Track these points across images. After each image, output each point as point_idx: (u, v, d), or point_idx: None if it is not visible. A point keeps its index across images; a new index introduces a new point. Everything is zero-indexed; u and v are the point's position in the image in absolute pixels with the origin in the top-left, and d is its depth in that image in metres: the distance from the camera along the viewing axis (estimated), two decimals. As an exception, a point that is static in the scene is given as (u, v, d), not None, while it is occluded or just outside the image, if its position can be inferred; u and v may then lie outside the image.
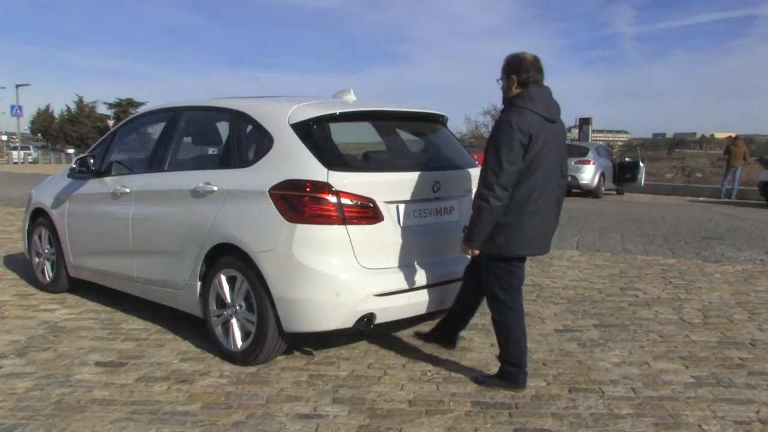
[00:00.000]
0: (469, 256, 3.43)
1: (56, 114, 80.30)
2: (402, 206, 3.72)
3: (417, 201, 3.78)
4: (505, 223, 3.24)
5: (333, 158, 3.63)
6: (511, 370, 3.42)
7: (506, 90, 3.35)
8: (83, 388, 3.44)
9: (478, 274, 3.52)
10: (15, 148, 42.17)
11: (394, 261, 3.69)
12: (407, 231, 3.72)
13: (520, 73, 3.27)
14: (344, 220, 3.51)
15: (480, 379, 3.53)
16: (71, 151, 50.70)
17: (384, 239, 3.62)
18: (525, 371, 3.45)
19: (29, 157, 41.87)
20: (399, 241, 3.68)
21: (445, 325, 3.93)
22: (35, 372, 3.66)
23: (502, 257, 3.33)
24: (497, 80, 3.40)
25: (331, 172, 3.51)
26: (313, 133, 3.70)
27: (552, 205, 3.41)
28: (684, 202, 16.57)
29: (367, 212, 3.57)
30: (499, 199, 3.15)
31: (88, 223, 4.98)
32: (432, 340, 4.03)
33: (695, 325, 4.65)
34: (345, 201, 3.50)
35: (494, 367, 3.71)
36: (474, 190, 4.12)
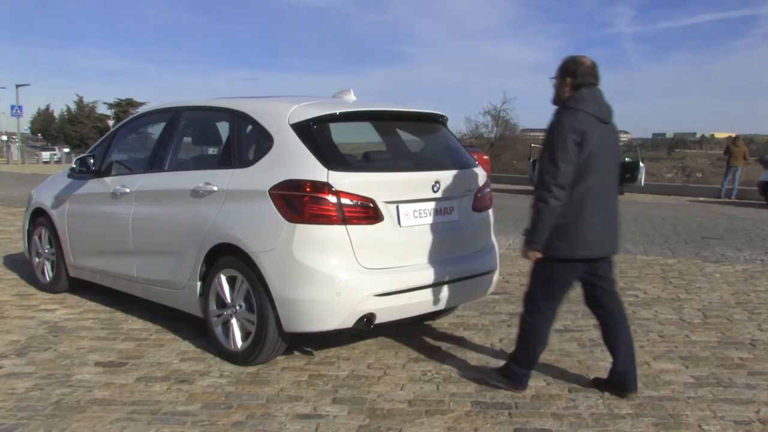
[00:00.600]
0: (532, 259, 3.29)
1: (56, 114, 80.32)
2: (402, 206, 3.72)
3: (417, 201, 3.78)
4: (563, 225, 3.18)
5: (333, 158, 3.64)
6: (518, 371, 3.41)
7: (558, 91, 3.31)
8: (83, 388, 3.44)
9: (605, 300, 3.42)
10: (44, 149, 45.86)
11: (394, 261, 3.69)
12: (407, 231, 3.71)
13: (576, 76, 3.23)
14: (344, 220, 3.51)
15: (484, 372, 3.56)
16: (66, 150, 51.34)
17: (384, 239, 3.62)
18: (529, 375, 3.45)
19: (55, 157, 44.74)
20: (399, 241, 3.68)
21: (616, 370, 3.43)
22: (35, 372, 3.66)
23: (551, 260, 3.26)
24: (551, 78, 3.36)
25: (331, 172, 3.51)
26: (313, 133, 3.70)
27: (612, 205, 3.32)
28: (684, 202, 16.56)
29: (367, 212, 3.56)
30: (558, 198, 3.12)
31: (88, 223, 4.99)
32: (611, 389, 3.43)
33: (695, 325, 4.65)
34: (345, 201, 3.50)
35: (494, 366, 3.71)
36: (475, 189, 4.13)
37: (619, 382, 3.37)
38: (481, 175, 4.25)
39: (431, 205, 3.88)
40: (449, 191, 3.95)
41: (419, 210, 3.81)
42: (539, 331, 3.37)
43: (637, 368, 3.43)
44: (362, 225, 3.55)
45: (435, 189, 3.83)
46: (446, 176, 3.95)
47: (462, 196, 4.07)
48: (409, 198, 3.76)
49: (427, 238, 3.83)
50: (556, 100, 3.32)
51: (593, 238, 3.24)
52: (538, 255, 3.26)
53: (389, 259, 3.66)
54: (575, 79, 3.24)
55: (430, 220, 3.87)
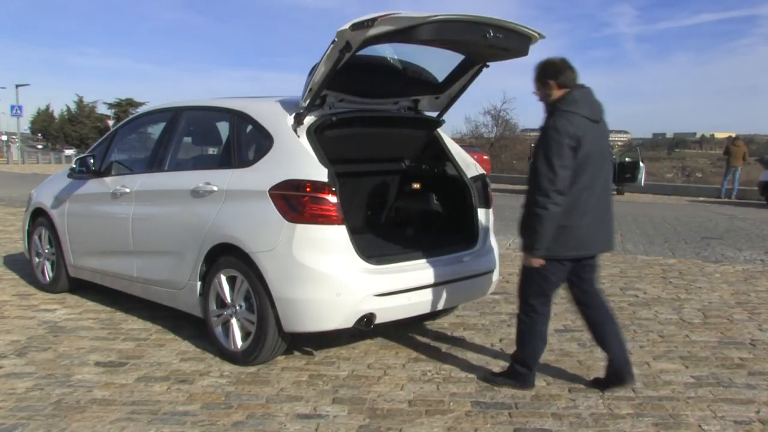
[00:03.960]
0: (535, 265, 3.28)
1: (56, 114, 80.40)
2: None
3: None
4: (556, 227, 3.19)
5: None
6: (522, 371, 3.43)
7: (546, 96, 3.29)
8: (83, 388, 3.44)
9: (586, 299, 3.47)
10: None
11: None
12: None
13: (557, 75, 3.24)
14: (344, 220, 3.51)
15: (488, 377, 3.55)
16: (70, 151, 51.83)
17: None
18: (534, 373, 3.46)
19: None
20: None
21: (611, 365, 3.46)
22: (35, 372, 3.66)
23: (550, 258, 3.27)
24: (533, 92, 3.35)
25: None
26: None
27: (604, 203, 3.34)
28: (684, 202, 16.55)
29: None
30: (558, 204, 3.12)
31: (88, 223, 4.98)
32: (611, 385, 3.45)
33: (695, 325, 4.65)
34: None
35: (494, 367, 3.71)
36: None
37: (617, 377, 3.42)
38: None
39: None
40: None
41: None
42: (537, 329, 3.39)
43: (631, 364, 3.46)
44: None
45: None
46: None
47: None
48: None
49: None
50: (547, 105, 3.29)
51: (585, 238, 3.27)
52: (542, 262, 3.25)
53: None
54: (558, 78, 3.24)
55: None
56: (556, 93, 3.25)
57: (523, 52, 3.67)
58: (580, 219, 3.22)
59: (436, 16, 3.21)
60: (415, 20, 3.19)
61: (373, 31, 3.21)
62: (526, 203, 3.23)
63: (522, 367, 3.43)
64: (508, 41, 3.53)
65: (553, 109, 3.23)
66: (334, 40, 3.32)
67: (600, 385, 3.47)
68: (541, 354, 3.47)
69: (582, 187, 3.19)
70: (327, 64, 3.43)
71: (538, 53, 3.47)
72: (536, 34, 3.62)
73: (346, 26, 3.24)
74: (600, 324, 3.45)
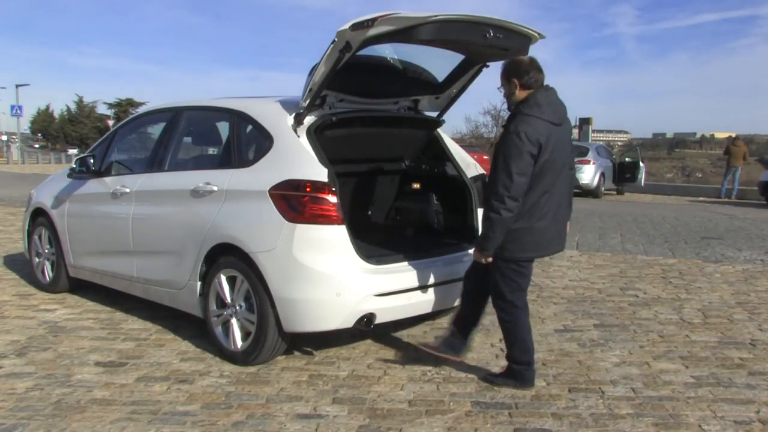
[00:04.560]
0: (484, 262, 3.37)
1: (56, 114, 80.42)
2: None
3: None
4: (514, 229, 3.24)
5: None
6: (519, 369, 3.44)
7: (510, 96, 3.32)
8: (83, 388, 3.44)
9: (478, 275, 3.51)
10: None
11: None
12: None
13: (521, 75, 3.25)
14: (344, 220, 3.51)
15: (489, 378, 3.55)
16: (73, 151, 51.50)
17: None
18: (533, 369, 3.47)
19: None
20: None
21: (455, 328, 3.67)
22: (35, 372, 3.66)
23: (511, 259, 3.34)
24: (498, 88, 3.37)
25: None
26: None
27: (562, 205, 3.41)
28: (684, 202, 16.56)
29: None
30: (510, 210, 3.16)
31: (88, 223, 4.98)
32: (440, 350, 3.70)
33: (695, 325, 4.65)
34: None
35: (494, 367, 3.72)
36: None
37: (463, 329, 3.64)
38: None
39: None
40: None
41: None
42: (520, 324, 3.43)
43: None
44: None
45: None
46: None
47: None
48: None
49: None
50: (510, 106, 3.34)
51: (541, 240, 3.34)
52: (490, 259, 3.34)
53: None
54: (521, 78, 3.25)
55: None
56: (520, 94, 3.26)
57: (522, 52, 3.67)
58: (538, 222, 3.27)
59: (436, 16, 3.21)
60: (415, 20, 3.20)
61: (373, 31, 3.22)
62: (484, 204, 3.33)
63: (519, 365, 3.44)
64: (508, 41, 3.53)
65: (516, 111, 3.25)
66: (334, 40, 3.32)
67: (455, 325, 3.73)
68: (532, 346, 3.48)
69: (541, 191, 3.23)
70: (327, 64, 3.43)
71: (538, 53, 3.48)
72: (536, 34, 3.62)
73: (346, 26, 3.24)
74: (482, 294, 3.54)
